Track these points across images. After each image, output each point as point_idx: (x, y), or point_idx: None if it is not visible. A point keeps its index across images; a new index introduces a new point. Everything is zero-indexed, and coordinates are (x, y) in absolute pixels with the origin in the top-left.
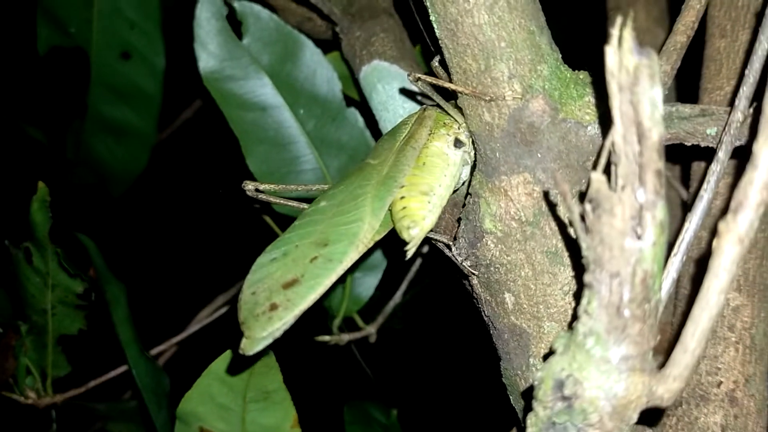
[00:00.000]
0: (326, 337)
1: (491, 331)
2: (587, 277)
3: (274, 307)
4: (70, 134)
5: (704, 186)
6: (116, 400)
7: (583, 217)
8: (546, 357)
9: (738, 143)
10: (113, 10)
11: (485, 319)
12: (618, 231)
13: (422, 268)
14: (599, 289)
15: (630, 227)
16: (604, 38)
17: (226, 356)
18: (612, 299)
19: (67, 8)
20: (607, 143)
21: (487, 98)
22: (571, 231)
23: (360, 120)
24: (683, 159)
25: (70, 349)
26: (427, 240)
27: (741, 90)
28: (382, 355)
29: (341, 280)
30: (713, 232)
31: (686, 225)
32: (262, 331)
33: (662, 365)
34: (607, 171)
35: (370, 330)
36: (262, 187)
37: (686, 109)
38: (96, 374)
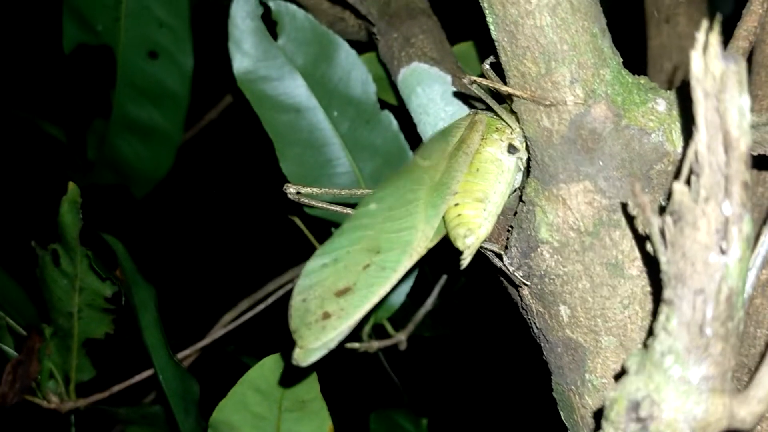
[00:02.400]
0: (356, 345)
1: (542, 344)
2: (667, 293)
3: (326, 315)
4: (91, 134)
5: None
6: (137, 404)
7: (662, 231)
8: (617, 376)
9: None
10: (142, 8)
11: (535, 331)
12: (702, 245)
13: (452, 276)
14: (680, 305)
15: (715, 241)
16: (644, 44)
17: (263, 364)
18: (695, 317)
19: (94, 6)
20: (690, 152)
21: (547, 103)
22: (647, 245)
23: (394, 123)
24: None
25: (95, 353)
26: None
27: None
28: (412, 364)
29: None
30: None
31: (762, 238)
32: (316, 340)
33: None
34: (687, 182)
35: (400, 337)
36: (303, 190)
37: (754, 117)
38: (120, 379)
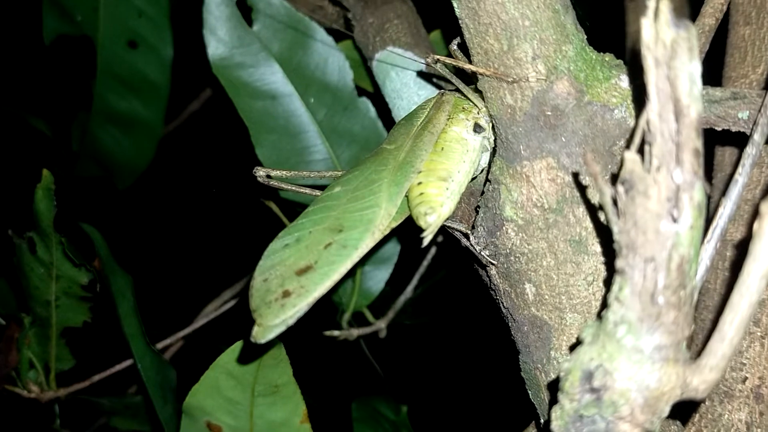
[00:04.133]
0: (335, 332)
1: (510, 324)
2: (619, 263)
3: (287, 294)
4: (75, 125)
5: (739, 170)
6: (121, 394)
7: (615, 200)
8: (573, 347)
9: None
10: None
11: (503, 310)
12: (653, 213)
13: (433, 263)
14: (632, 275)
15: (666, 209)
16: (623, 22)
17: (235, 348)
18: (646, 285)
19: None
20: (642, 121)
21: (510, 80)
22: (600, 215)
23: (372, 110)
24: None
25: (74, 342)
26: (440, 231)
27: None
28: (392, 351)
29: (350, 273)
30: (749, 228)
31: (720, 210)
32: (275, 318)
33: (696, 355)
34: (640, 151)
35: (380, 325)
36: (273, 173)
37: (717, 92)
38: (100, 368)
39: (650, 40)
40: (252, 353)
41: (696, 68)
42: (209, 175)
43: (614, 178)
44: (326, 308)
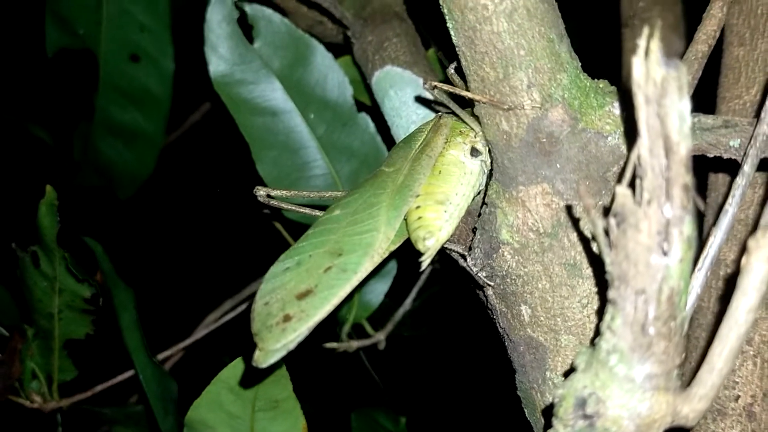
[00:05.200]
0: (335, 344)
1: (506, 343)
2: (611, 294)
3: (287, 318)
4: (77, 136)
5: (729, 200)
6: (123, 404)
7: (606, 232)
8: (567, 374)
9: (763, 155)
10: (122, 12)
11: (500, 330)
12: (644, 246)
13: (432, 276)
14: (624, 306)
15: (656, 243)
16: (620, 47)
17: (236, 364)
18: (637, 317)
19: (76, 10)
20: (633, 156)
21: (506, 107)
22: (593, 245)
23: (371, 125)
24: (699, 169)
25: (76, 354)
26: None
27: (767, 102)
28: (391, 363)
29: None
30: (741, 249)
31: (710, 240)
32: (276, 342)
33: (686, 383)
34: (631, 185)
35: (379, 337)
36: (273, 192)
37: (708, 120)
38: (102, 379)
39: (641, 79)
40: (256, 372)
41: (686, 106)
42: (210, 185)
43: (607, 210)
44: (326, 320)
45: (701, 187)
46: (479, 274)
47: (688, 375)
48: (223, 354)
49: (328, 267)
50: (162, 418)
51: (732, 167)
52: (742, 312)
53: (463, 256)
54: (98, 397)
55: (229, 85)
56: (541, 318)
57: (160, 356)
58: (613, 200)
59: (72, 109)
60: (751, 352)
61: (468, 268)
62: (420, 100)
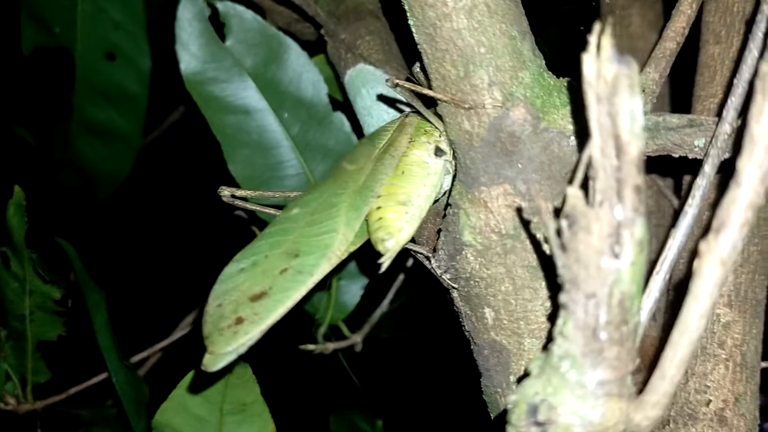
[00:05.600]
0: (311, 346)
1: (472, 347)
2: (563, 297)
3: (240, 320)
4: (58, 135)
5: (689, 201)
6: (99, 406)
7: (559, 234)
8: (521, 379)
9: (726, 156)
10: (97, 10)
11: (465, 333)
12: (594, 249)
13: (410, 276)
14: (575, 310)
15: (607, 245)
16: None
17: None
18: (588, 321)
19: (51, 8)
20: (584, 156)
21: (467, 106)
22: (546, 248)
23: (347, 124)
24: (676, 170)
25: (51, 355)
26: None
27: (729, 100)
28: (368, 365)
29: (326, 286)
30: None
31: (669, 242)
32: (226, 345)
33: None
34: (585, 186)
35: (356, 339)
36: (238, 192)
37: (673, 119)
38: (77, 381)
39: (592, 76)
40: (206, 378)
41: (637, 105)
42: (189, 186)
43: (559, 211)
44: (302, 321)
45: (678, 188)
46: (443, 276)
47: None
48: (200, 355)
49: (284, 269)
50: (135, 422)
51: (698, 168)
52: (694, 317)
53: (429, 258)
54: (73, 399)
55: (201, 84)
56: (505, 321)
57: (137, 357)
58: (564, 202)
59: (51, 108)
60: (723, 356)
61: (432, 270)
62: (386, 99)
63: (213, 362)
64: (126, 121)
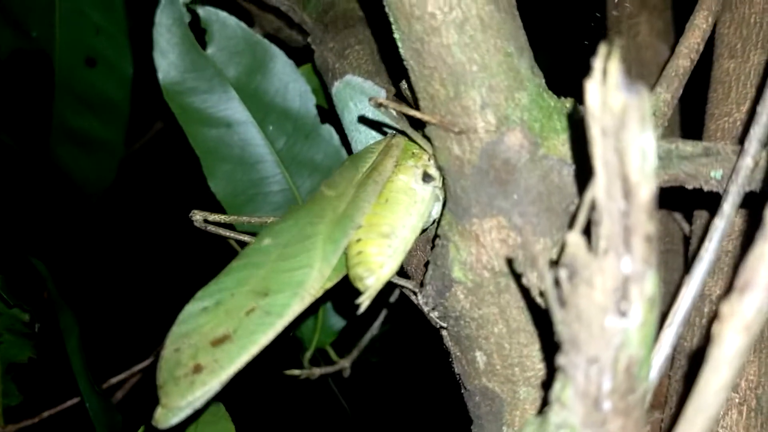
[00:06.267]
0: (296, 371)
1: (462, 391)
2: (561, 360)
3: (198, 368)
4: (37, 142)
5: (705, 245)
6: (73, 430)
7: (557, 286)
8: None
9: (747, 190)
10: (76, 12)
11: (456, 376)
12: (598, 306)
13: (401, 299)
14: (574, 375)
15: (612, 302)
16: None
17: None
18: (589, 389)
19: (28, 10)
20: (587, 198)
21: (457, 129)
22: (540, 301)
23: (335, 137)
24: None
25: (21, 378)
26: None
27: (752, 131)
28: (357, 391)
29: (313, 309)
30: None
31: (683, 290)
32: (181, 398)
33: None
34: (587, 231)
35: (344, 364)
36: (211, 217)
37: (688, 147)
38: (50, 404)
39: (596, 107)
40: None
41: (648, 141)
42: (174, 199)
43: (557, 260)
44: (288, 345)
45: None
46: (431, 314)
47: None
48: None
49: (251, 309)
50: None
51: (713, 202)
52: (713, 391)
53: (415, 293)
54: (46, 422)
55: (180, 94)
56: (497, 367)
57: (115, 379)
58: (562, 250)
59: (31, 114)
60: (737, 400)
61: (420, 306)
62: (371, 121)
63: (165, 418)
64: (107, 129)
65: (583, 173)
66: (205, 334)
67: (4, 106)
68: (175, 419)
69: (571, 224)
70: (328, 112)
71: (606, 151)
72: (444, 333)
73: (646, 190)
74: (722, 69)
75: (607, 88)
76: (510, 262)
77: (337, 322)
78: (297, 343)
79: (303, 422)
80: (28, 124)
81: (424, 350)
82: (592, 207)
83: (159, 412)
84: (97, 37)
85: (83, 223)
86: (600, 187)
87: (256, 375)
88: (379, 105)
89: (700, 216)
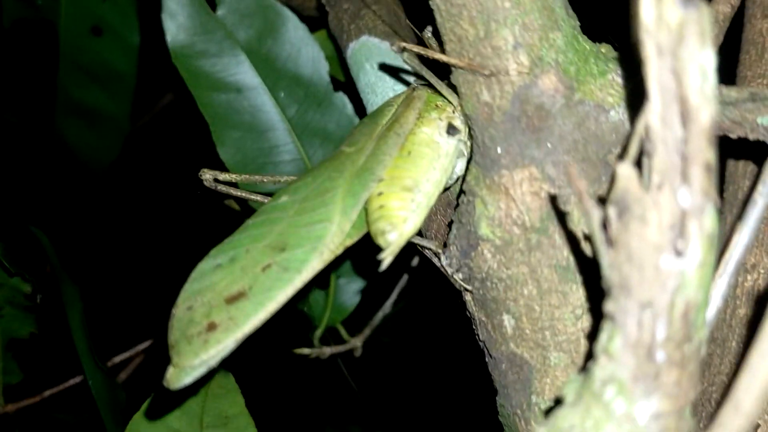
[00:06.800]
0: (305, 350)
1: (487, 359)
2: (609, 306)
3: (212, 327)
4: (41, 115)
5: (759, 188)
6: (77, 409)
7: (605, 226)
8: (549, 410)
9: None
10: None
11: (480, 344)
12: (652, 245)
13: (416, 275)
14: (625, 322)
15: (668, 240)
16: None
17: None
18: (642, 337)
19: None
20: (639, 127)
21: (487, 72)
22: (586, 245)
23: (349, 106)
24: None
25: (22, 355)
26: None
27: None
28: (368, 371)
29: (323, 285)
30: None
31: (735, 238)
32: (195, 357)
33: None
34: (638, 164)
35: (356, 343)
36: (222, 176)
37: (732, 92)
38: (52, 382)
39: (651, 22)
40: (170, 398)
41: (709, 58)
42: (181, 173)
43: (605, 198)
44: (298, 322)
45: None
46: (455, 276)
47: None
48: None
49: (267, 265)
50: (112, 429)
51: (760, 151)
52: None
53: (438, 255)
54: (48, 401)
55: (189, 58)
56: (527, 331)
57: (119, 358)
58: (612, 184)
59: (34, 86)
60: None
61: (442, 269)
62: (392, 71)
63: (177, 377)
64: (113, 102)
65: (634, 112)
66: (219, 292)
67: (7, 77)
68: (188, 379)
69: (621, 157)
70: (342, 84)
71: (662, 72)
72: (468, 297)
73: (706, 114)
74: (755, 30)
75: (662, 1)
76: (553, 199)
77: (349, 299)
78: (307, 321)
79: (311, 400)
80: (31, 96)
81: (438, 330)
82: (645, 136)
83: (170, 372)
84: (103, 4)
85: (87, 198)
86: (654, 113)
87: (265, 351)
88: (403, 50)
89: (737, 166)
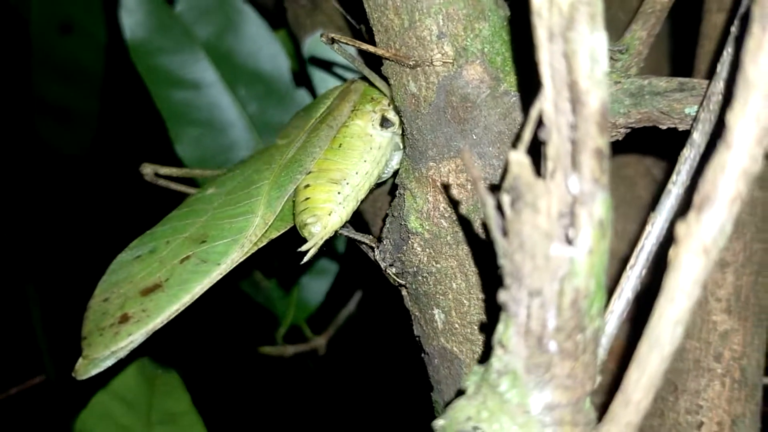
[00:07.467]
0: (267, 348)
1: (422, 355)
2: (502, 296)
3: (125, 319)
4: (17, 110)
5: (673, 177)
6: (41, 407)
7: (500, 213)
8: (449, 401)
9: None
10: None
11: (416, 339)
12: (542, 233)
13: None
14: (517, 312)
15: (558, 228)
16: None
17: (127, 372)
18: (532, 326)
19: None
20: (533, 113)
21: (411, 63)
22: (481, 232)
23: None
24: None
25: None
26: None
27: (725, 52)
28: (332, 370)
29: (288, 285)
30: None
31: (647, 228)
32: (104, 349)
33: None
34: (535, 151)
35: (320, 341)
36: (162, 171)
37: (661, 82)
38: (17, 380)
39: (543, 6)
40: (145, 377)
41: (600, 42)
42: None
43: (499, 185)
44: (264, 321)
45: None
46: (388, 271)
47: None
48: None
49: (187, 256)
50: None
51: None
52: (668, 325)
53: (373, 248)
54: (14, 399)
55: (147, 54)
56: (456, 325)
57: None
58: (505, 171)
59: (10, 81)
60: (720, 371)
61: (377, 263)
62: (317, 62)
63: (85, 369)
64: (82, 98)
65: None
66: (135, 284)
67: None
68: (95, 370)
69: (514, 144)
70: (306, 80)
71: (553, 57)
72: (404, 293)
73: (596, 98)
74: (710, 24)
75: None
76: (446, 188)
77: (312, 298)
78: (273, 319)
79: (273, 398)
80: (7, 92)
81: (401, 327)
82: (539, 123)
83: (80, 363)
84: (71, 1)
85: (56, 192)
86: (547, 99)
87: (227, 349)
88: (332, 40)
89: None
